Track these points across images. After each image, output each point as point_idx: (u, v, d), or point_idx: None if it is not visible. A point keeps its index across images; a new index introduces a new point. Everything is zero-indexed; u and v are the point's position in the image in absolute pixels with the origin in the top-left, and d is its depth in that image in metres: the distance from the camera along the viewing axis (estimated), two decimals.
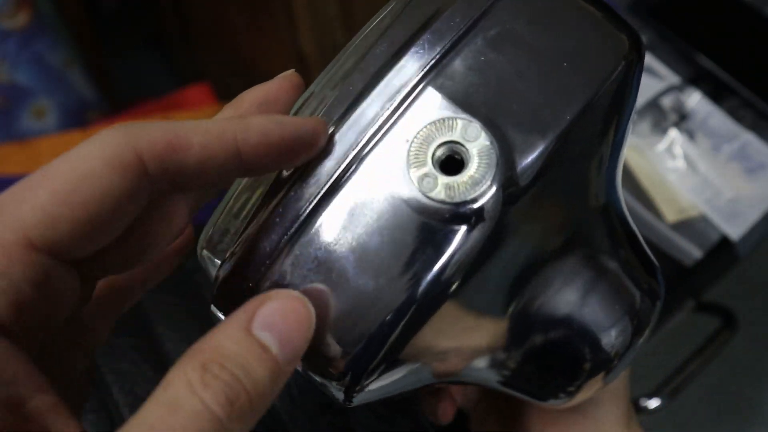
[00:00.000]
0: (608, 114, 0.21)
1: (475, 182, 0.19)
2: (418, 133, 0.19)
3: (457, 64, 0.20)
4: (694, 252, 0.49)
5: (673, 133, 0.53)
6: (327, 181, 0.19)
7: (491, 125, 0.19)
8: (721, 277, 0.50)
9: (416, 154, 0.19)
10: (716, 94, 0.55)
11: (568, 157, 0.20)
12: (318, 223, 0.19)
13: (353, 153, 0.19)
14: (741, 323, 0.50)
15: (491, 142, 0.19)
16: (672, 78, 0.56)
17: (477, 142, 0.19)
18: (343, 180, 0.19)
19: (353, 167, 0.19)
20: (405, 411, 0.35)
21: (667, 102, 0.54)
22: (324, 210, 0.19)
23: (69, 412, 0.16)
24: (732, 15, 0.59)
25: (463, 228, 0.19)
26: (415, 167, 0.19)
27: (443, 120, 0.19)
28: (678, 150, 0.53)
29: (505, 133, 0.19)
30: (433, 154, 0.19)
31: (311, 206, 0.19)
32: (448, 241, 0.19)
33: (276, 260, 0.19)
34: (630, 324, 0.22)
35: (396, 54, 0.20)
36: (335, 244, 0.19)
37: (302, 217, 0.19)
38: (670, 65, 0.56)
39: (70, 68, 0.87)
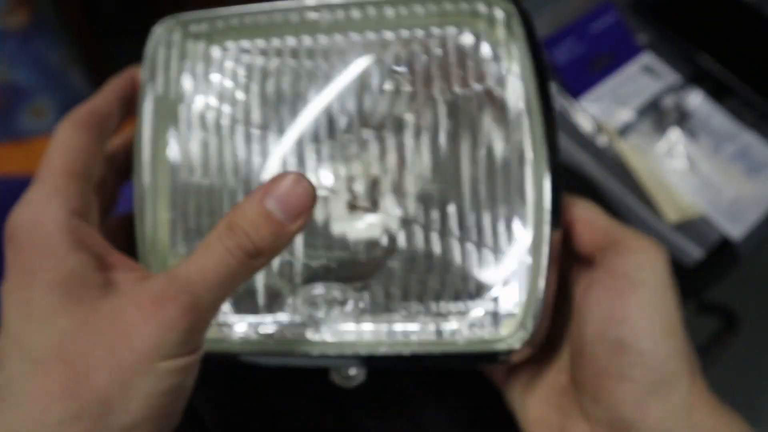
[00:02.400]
0: None
1: None
2: None
3: None
4: (695, 252, 0.49)
5: (674, 133, 0.53)
6: None
7: None
8: (722, 277, 0.50)
9: None
10: (717, 93, 0.55)
11: None
12: None
13: None
14: (742, 324, 0.50)
15: None
16: (673, 78, 0.56)
17: None
18: None
19: None
20: (403, 412, 0.35)
21: (667, 102, 0.54)
22: None
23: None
24: (732, 14, 0.59)
25: None
26: None
27: None
28: (679, 150, 0.53)
29: None
30: None
31: None
32: None
33: None
34: None
35: None
36: None
37: None
38: (671, 65, 0.56)
39: (69, 68, 0.87)
